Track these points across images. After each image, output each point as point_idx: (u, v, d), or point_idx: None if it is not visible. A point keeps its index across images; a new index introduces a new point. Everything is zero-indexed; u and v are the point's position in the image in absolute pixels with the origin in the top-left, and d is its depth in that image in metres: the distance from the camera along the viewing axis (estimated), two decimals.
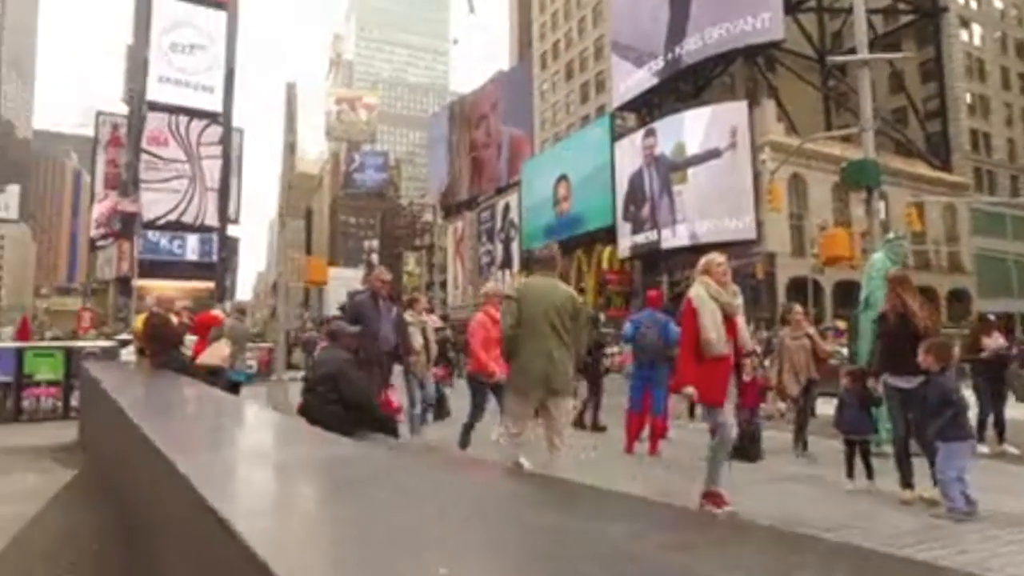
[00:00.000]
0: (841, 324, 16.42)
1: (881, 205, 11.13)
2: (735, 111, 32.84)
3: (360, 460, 2.38)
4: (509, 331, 4.15)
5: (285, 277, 12.45)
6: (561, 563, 1.27)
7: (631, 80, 40.25)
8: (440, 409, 8.11)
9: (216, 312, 9.38)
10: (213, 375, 6.59)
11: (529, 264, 6.34)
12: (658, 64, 38.02)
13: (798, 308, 7.95)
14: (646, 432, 6.89)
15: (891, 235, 8.27)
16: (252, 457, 2.36)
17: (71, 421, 8.01)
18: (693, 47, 35.67)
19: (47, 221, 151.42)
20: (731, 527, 2.25)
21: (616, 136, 40.31)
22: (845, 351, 10.38)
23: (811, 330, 7.74)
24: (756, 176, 31.25)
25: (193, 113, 56.37)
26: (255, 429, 3.13)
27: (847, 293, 26.01)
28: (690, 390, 4.29)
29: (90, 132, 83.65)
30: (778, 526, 3.80)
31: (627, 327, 7.26)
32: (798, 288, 28.80)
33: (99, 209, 68.43)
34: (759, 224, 31.14)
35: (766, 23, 32.88)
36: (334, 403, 4.20)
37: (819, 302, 30.11)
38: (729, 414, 4.56)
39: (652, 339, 6.85)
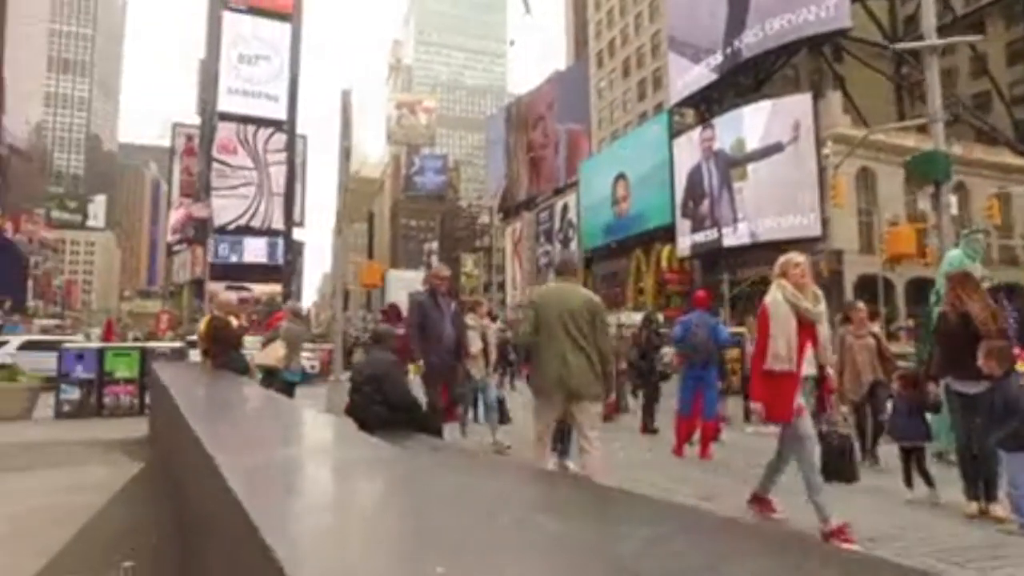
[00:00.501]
0: (914, 324, 15.63)
1: (952, 199, 10.52)
2: (798, 104, 31.73)
3: (391, 463, 2.43)
4: (527, 337, 4.33)
5: (344, 280, 12.71)
6: (559, 567, 1.28)
7: (689, 76, 39.46)
8: (501, 415, 7.81)
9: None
10: (269, 375, 6.87)
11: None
12: (716, 59, 37.11)
13: (860, 305, 7.57)
14: (698, 435, 6.77)
15: (969, 229, 7.80)
16: (289, 459, 2.44)
17: (144, 418, 8.48)
18: (753, 40, 34.64)
19: (130, 228, 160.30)
20: (754, 535, 2.19)
21: (674, 133, 39.61)
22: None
23: (876, 328, 7.39)
24: (821, 171, 30.10)
25: (260, 122, 58.92)
26: (297, 431, 3.25)
27: (920, 291, 24.75)
28: (758, 406, 4.02)
29: (168, 143, 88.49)
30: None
31: (676, 328, 7.14)
32: (867, 286, 27.60)
33: (175, 216, 72.30)
34: (824, 221, 29.99)
35: (831, 11, 31.60)
36: (379, 404, 4.32)
37: (890, 301, 28.78)
38: (807, 426, 4.09)
39: (702, 340, 6.71)
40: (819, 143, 30.80)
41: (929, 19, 10.81)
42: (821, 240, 30.22)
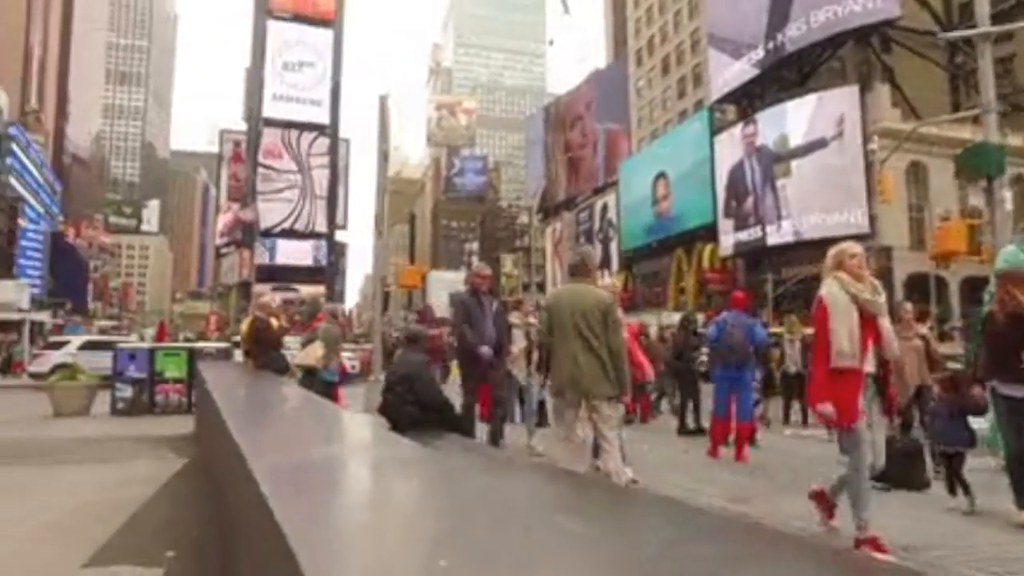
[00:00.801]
0: (964, 324, 15.06)
1: (1007, 193, 10.08)
2: (843, 97, 30.89)
3: (416, 465, 2.46)
4: (542, 339, 4.51)
5: (385, 281, 12.91)
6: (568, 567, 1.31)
7: (729, 72, 38.79)
8: (540, 418, 7.64)
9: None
10: (309, 375, 7.07)
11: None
12: (758, 54, 36.38)
13: (908, 306, 7.35)
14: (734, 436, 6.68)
15: None
16: (318, 460, 2.48)
17: (191, 416, 8.80)
18: (796, 33, 33.86)
19: (181, 232, 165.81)
20: (768, 538, 2.18)
21: (715, 130, 39.00)
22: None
23: (923, 330, 7.17)
24: (868, 166, 29.23)
25: (303, 126, 60.25)
26: (329, 433, 3.34)
27: (976, 290, 23.78)
28: (828, 409, 3.70)
29: (216, 149, 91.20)
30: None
31: (711, 328, 7.06)
32: (917, 285, 26.69)
33: (223, 220, 74.44)
34: (872, 217, 29.13)
35: (879, 1, 30.68)
36: (411, 404, 4.41)
37: (943, 299, 27.75)
38: (863, 429, 3.85)
39: (738, 340, 6.62)
40: (866, 137, 29.92)
41: (983, 5, 10.41)
42: (869, 237, 29.32)
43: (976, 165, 9.97)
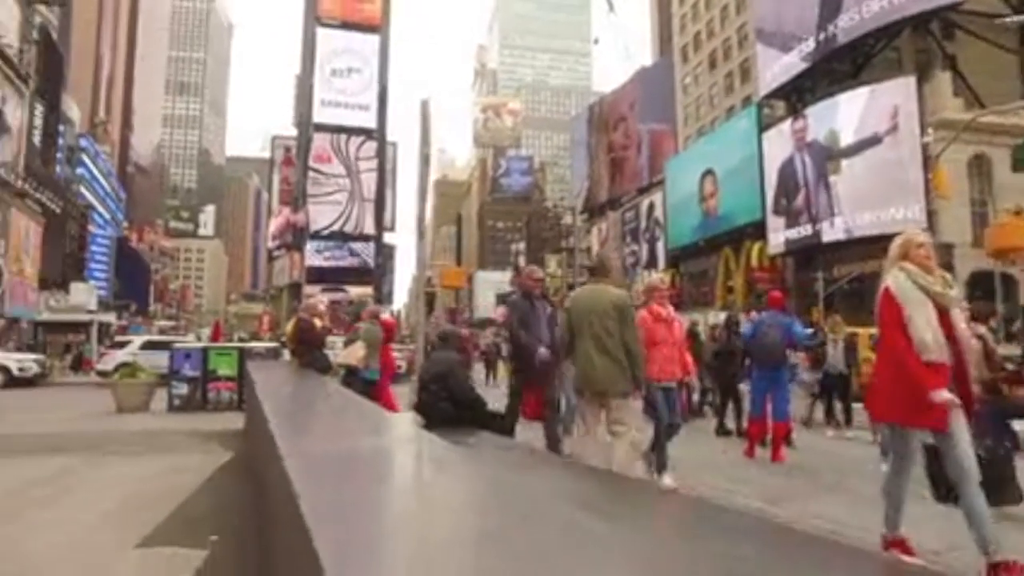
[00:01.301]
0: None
1: None
2: (899, 89, 29.76)
3: (444, 464, 2.52)
4: (562, 340, 4.70)
5: (429, 282, 13.18)
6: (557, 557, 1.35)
7: (778, 67, 37.85)
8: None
9: (385, 316, 10.15)
10: (350, 374, 7.28)
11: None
12: (808, 46, 35.39)
13: (965, 304, 7.10)
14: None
15: None
16: (348, 457, 2.56)
17: (242, 412, 9.15)
18: (849, 23, 32.79)
19: (235, 235, 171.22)
20: (797, 539, 2.18)
21: (764, 126, 38.13)
22: None
23: (982, 330, 6.92)
24: (926, 159, 28.15)
25: (351, 131, 61.59)
26: (361, 430, 3.45)
27: None
28: (944, 394, 3.32)
29: (268, 155, 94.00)
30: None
31: (746, 327, 6.98)
32: (981, 283, 25.51)
33: (274, 223, 76.71)
34: (931, 213, 28.00)
35: None
36: (444, 401, 4.52)
37: (1011, 298, 26.47)
38: (962, 438, 3.38)
39: (775, 340, 6.53)
40: (924, 129, 28.83)
41: None
42: (927, 233, 28.26)
43: None
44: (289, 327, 7.45)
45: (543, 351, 5.31)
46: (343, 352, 7.72)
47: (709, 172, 43.13)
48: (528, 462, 3.60)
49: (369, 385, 7.19)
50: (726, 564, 1.42)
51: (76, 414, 10.50)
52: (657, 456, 5.34)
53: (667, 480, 5.13)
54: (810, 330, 9.15)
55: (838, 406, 8.55)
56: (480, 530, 1.50)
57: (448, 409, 4.47)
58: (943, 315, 3.47)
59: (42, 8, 40.23)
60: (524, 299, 5.74)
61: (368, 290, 56.62)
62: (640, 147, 60.43)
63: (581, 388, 4.42)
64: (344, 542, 1.35)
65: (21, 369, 16.91)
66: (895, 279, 3.53)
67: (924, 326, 3.36)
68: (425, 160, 11.93)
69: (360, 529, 1.52)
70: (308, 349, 6.88)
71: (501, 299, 64.30)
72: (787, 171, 35.22)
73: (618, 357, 4.27)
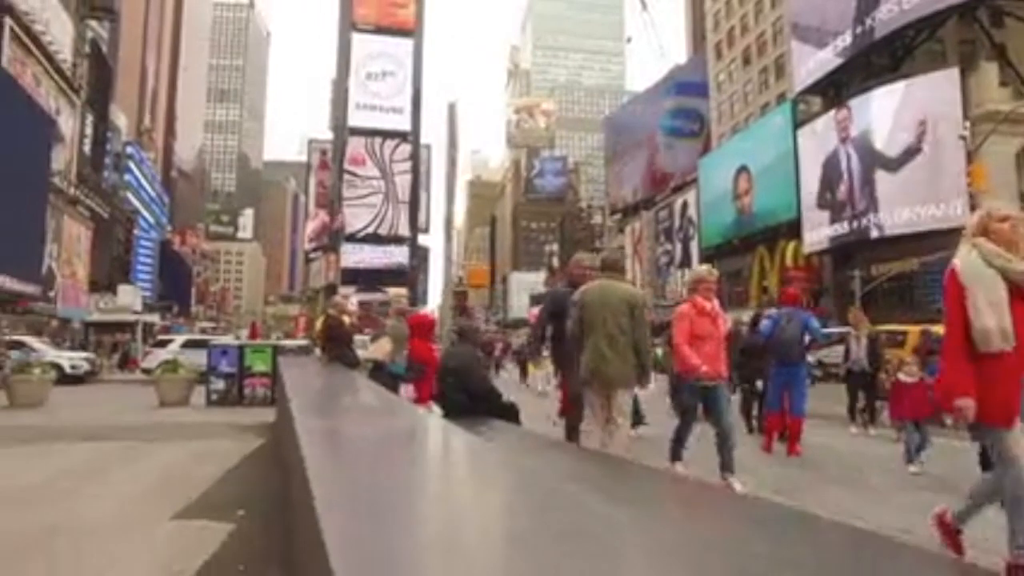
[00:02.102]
0: None
1: None
2: (935, 83, 29.06)
3: (462, 453, 2.60)
4: (573, 333, 4.65)
5: (461, 281, 13.43)
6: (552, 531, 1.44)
7: (813, 62, 37.16)
8: (635, 416, 7.00)
9: (425, 312, 10.39)
10: (377, 368, 7.54)
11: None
12: (845, 40, 34.66)
13: None
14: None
15: None
16: (363, 444, 2.68)
17: (275, 407, 9.51)
18: (887, 15, 32.02)
19: (273, 238, 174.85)
20: (782, 516, 2.30)
21: (799, 123, 37.51)
22: None
23: None
24: (968, 153, 27.41)
25: (386, 134, 62.48)
26: (380, 417, 3.65)
27: None
28: (967, 403, 2.91)
29: (305, 158, 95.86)
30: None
31: (764, 323, 7.02)
32: None
33: (311, 226, 78.28)
34: (974, 209, 27.17)
35: None
36: (461, 392, 4.72)
37: None
38: (1018, 442, 2.93)
39: (792, 335, 6.55)
40: (968, 122, 28.04)
41: None
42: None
43: None
44: (319, 324, 7.76)
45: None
46: (371, 347, 8.00)
47: (743, 170, 42.60)
48: (540, 447, 3.76)
49: (395, 378, 7.44)
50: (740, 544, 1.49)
51: (122, 408, 11.07)
52: (723, 457, 5.06)
53: (737, 485, 4.90)
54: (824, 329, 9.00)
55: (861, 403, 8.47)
56: (491, 513, 1.51)
57: (464, 400, 4.66)
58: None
59: (93, 23, 41.87)
60: (570, 290, 5.32)
61: (403, 291, 57.37)
62: (673, 146, 59.95)
63: (589, 380, 4.49)
64: (351, 521, 1.40)
65: (73, 367, 17.72)
66: (962, 257, 3.14)
67: (986, 310, 2.95)
68: (452, 162, 12.23)
69: (366, 509, 1.52)
70: (336, 345, 7.17)
71: (535, 300, 64.38)
72: (832, 163, 34.44)
73: (627, 354, 4.38)
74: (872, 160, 31.57)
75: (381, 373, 7.39)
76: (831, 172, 34.38)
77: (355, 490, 1.79)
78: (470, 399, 4.69)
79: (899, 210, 29.77)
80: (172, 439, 6.61)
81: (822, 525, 2.18)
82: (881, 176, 31.13)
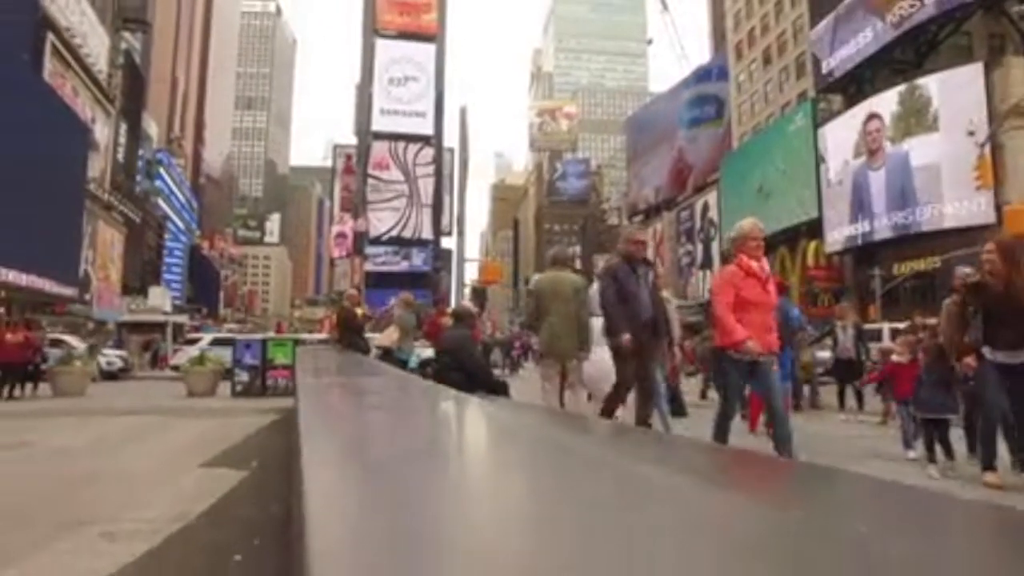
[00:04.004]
0: None
1: None
2: (960, 79, 28.86)
3: (447, 413, 2.92)
4: (528, 320, 5.62)
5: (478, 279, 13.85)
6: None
7: (834, 59, 37.02)
8: (675, 405, 6.95)
9: (443, 320, 10.81)
10: (386, 354, 8.05)
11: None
12: (866, 37, 34.49)
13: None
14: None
15: None
16: (357, 403, 2.93)
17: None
18: (909, 10, 31.80)
19: (299, 242, 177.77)
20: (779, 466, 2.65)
21: (820, 122, 37.35)
22: None
23: None
24: (993, 150, 27.17)
25: (409, 138, 63.31)
26: (375, 384, 4.10)
27: None
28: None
29: (330, 163, 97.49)
30: None
31: None
32: None
33: (336, 229, 79.60)
34: (999, 206, 26.92)
35: None
36: (456, 370, 5.16)
37: None
38: None
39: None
40: (993, 118, 27.75)
41: None
42: (996, 228, 27.13)
43: None
44: (334, 316, 8.29)
45: (627, 337, 4.76)
46: (380, 335, 8.52)
47: (764, 170, 42.50)
48: (518, 409, 4.16)
49: (401, 364, 7.91)
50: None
51: (154, 397, 11.85)
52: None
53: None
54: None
55: (848, 390, 8.73)
56: (469, 468, 1.56)
57: (459, 378, 5.09)
58: None
59: (127, 35, 43.34)
60: (624, 265, 5.11)
61: (426, 292, 57.96)
62: (695, 146, 59.85)
63: (545, 353, 5.34)
64: (329, 452, 1.56)
65: (108, 364, 18.66)
66: None
67: None
68: (464, 164, 12.70)
69: (344, 445, 1.71)
70: (349, 333, 7.69)
71: (604, 266, 64.37)
72: (854, 166, 34.14)
73: (573, 331, 5.18)
74: (907, 172, 31.09)
75: (389, 359, 7.88)
76: (856, 176, 33.97)
77: (336, 428, 2.09)
78: (465, 377, 5.11)
79: (921, 208, 29.59)
80: (201, 416, 7.32)
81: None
82: (898, 173, 30.98)
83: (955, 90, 28.80)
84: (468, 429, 2.38)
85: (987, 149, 21.75)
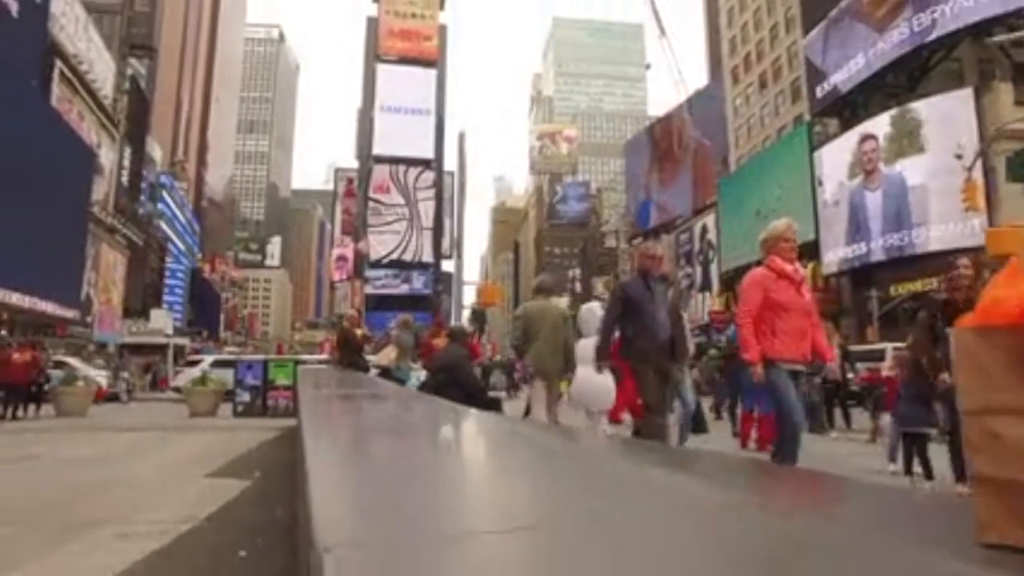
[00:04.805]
0: None
1: None
2: (950, 104, 29.38)
3: (431, 421, 3.28)
4: (517, 342, 6.01)
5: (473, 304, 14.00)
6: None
7: (828, 84, 37.64)
8: (697, 423, 6.78)
9: (436, 342, 11.02)
10: (384, 373, 8.23)
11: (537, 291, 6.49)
12: (858, 63, 35.13)
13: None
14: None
15: None
16: (355, 425, 3.10)
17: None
18: (899, 38, 32.47)
19: (300, 266, 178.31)
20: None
21: (816, 145, 37.85)
22: None
23: None
24: (986, 173, 27.50)
25: (409, 162, 63.96)
26: (372, 400, 4.30)
27: None
28: None
29: (331, 187, 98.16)
30: None
31: (731, 331, 7.54)
32: None
33: (337, 252, 79.93)
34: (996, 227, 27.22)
35: None
36: (450, 387, 5.35)
37: None
38: None
39: None
40: (983, 142, 28.16)
41: None
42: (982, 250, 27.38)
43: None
44: (334, 337, 8.50)
45: (600, 364, 4.81)
46: (378, 355, 8.71)
47: (761, 193, 42.91)
48: (511, 424, 4.33)
49: (400, 383, 8.08)
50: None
51: (156, 417, 11.99)
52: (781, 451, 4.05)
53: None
54: None
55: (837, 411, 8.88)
56: (465, 474, 1.65)
57: (454, 393, 5.28)
58: None
59: (133, 60, 44.09)
60: (639, 282, 4.88)
61: (426, 315, 58.04)
62: (692, 168, 60.41)
63: (535, 373, 5.89)
64: (330, 456, 1.68)
65: (110, 385, 18.76)
66: None
67: None
68: (461, 188, 12.99)
69: (345, 447, 1.84)
70: (349, 353, 7.88)
71: (617, 281, 64.50)
72: (850, 188, 34.54)
73: (559, 354, 5.82)
74: (903, 193, 31.47)
75: (388, 378, 8.05)
76: (853, 198, 34.35)
77: (336, 431, 2.28)
78: (459, 393, 5.30)
79: (917, 229, 29.90)
80: (204, 432, 7.49)
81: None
82: (893, 195, 31.34)
83: (945, 114, 29.30)
84: (465, 436, 2.56)
85: (974, 172, 22.07)
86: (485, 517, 1.10)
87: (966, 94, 29.65)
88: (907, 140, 31.44)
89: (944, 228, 28.81)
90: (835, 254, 35.53)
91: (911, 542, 1.16)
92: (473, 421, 2.94)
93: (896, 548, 1.01)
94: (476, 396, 5.38)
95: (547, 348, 5.69)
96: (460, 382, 5.34)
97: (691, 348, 6.80)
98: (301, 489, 1.54)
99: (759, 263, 4.43)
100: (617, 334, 4.81)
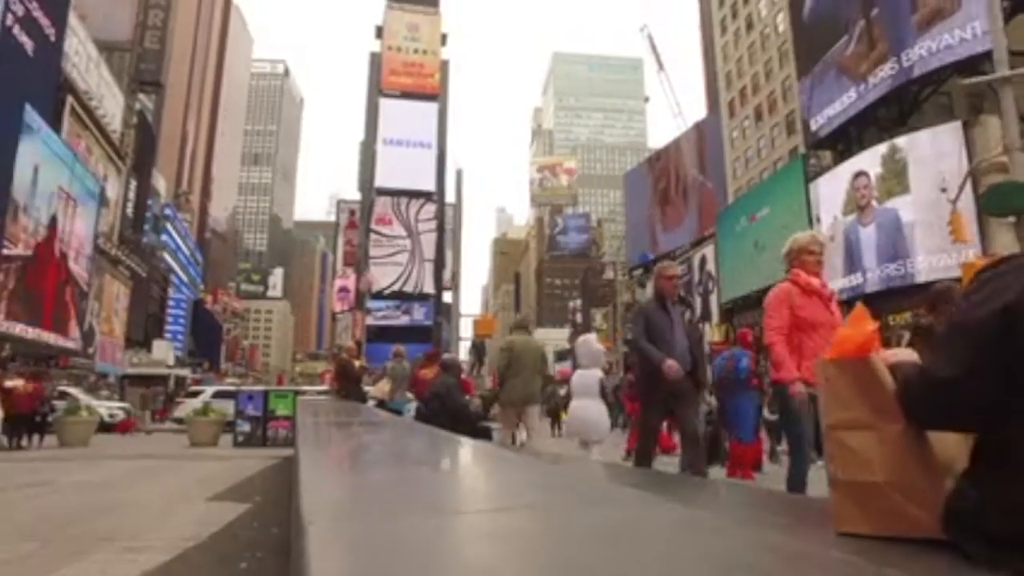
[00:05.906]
0: None
1: None
2: (939, 137, 30.00)
3: (432, 455, 3.30)
4: (501, 371, 6.76)
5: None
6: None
7: (822, 117, 38.42)
8: (714, 449, 6.78)
9: (424, 372, 11.30)
10: (380, 404, 8.48)
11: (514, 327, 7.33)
12: (851, 97, 35.92)
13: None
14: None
15: None
16: (350, 452, 3.32)
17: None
18: (889, 73, 33.27)
19: (302, 297, 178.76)
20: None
21: (810, 177, 38.46)
22: None
23: None
24: (978, 204, 27.93)
25: (411, 194, 64.76)
26: (366, 428, 4.56)
27: None
28: None
29: (334, 218, 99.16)
30: None
31: (718, 362, 7.80)
32: None
33: (339, 284, 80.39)
34: (989, 257, 27.56)
35: (977, 31, 29.74)
36: (443, 414, 5.60)
37: None
38: None
39: (728, 372, 7.39)
40: (974, 174, 28.64)
41: (1000, 49, 10.68)
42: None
43: (1003, 204, 10.14)
44: (333, 367, 8.76)
45: (670, 362, 4.41)
46: (374, 387, 8.97)
47: (758, 224, 43.41)
48: (495, 452, 4.57)
49: (396, 415, 8.32)
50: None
51: (158, 446, 12.16)
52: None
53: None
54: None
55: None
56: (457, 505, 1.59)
57: (445, 421, 5.53)
58: None
59: (142, 95, 45.09)
60: (656, 303, 4.81)
61: (427, 347, 58.15)
62: (690, 201, 61.11)
63: (513, 402, 6.70)
64: (330, 502, 1.78)
65: (111, 416, 18.96)
66: None
67: None
68: (458, 225, 13.39)
69: (346, 491, 1.70)
70: (348, 383, 8.13)
71: (560, 355, 64.78)
72: (845, 221, 34.99)
73: (536, 384, 6.78)
74: (897, 227, 31.89)
75: (384, 409, 8.29)
76: (848, 233, 34.78)
77: (326, 439, 2.55)
78: (450, 420, 5.55)
79: (914, 259, 30.28)
80: (206, 460, 7.72)
81: None
82: (888, 227, 31.77)
83: (934, 148, 29.87)
84: (461, 460, 2.80)
85: (959, 204, 22.49)
86: (432, 497, 1.40)
87: (955, 127, 30.25)
88: (896, 180, 32.03)
89: (938, 258, 29.14)
90: (832, 285, 35.69)
91: (779, 527, 1.44)
92: (443, 441, 3.21)
93: (765, 534, 1.28)
94: (465, 423, 5.62)
95: (521, 384, 6.55)
96: (449, 409, 5.59)
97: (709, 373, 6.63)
98: (294, 478, 1.84)
99: (768, 289, 4.15)
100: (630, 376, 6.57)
